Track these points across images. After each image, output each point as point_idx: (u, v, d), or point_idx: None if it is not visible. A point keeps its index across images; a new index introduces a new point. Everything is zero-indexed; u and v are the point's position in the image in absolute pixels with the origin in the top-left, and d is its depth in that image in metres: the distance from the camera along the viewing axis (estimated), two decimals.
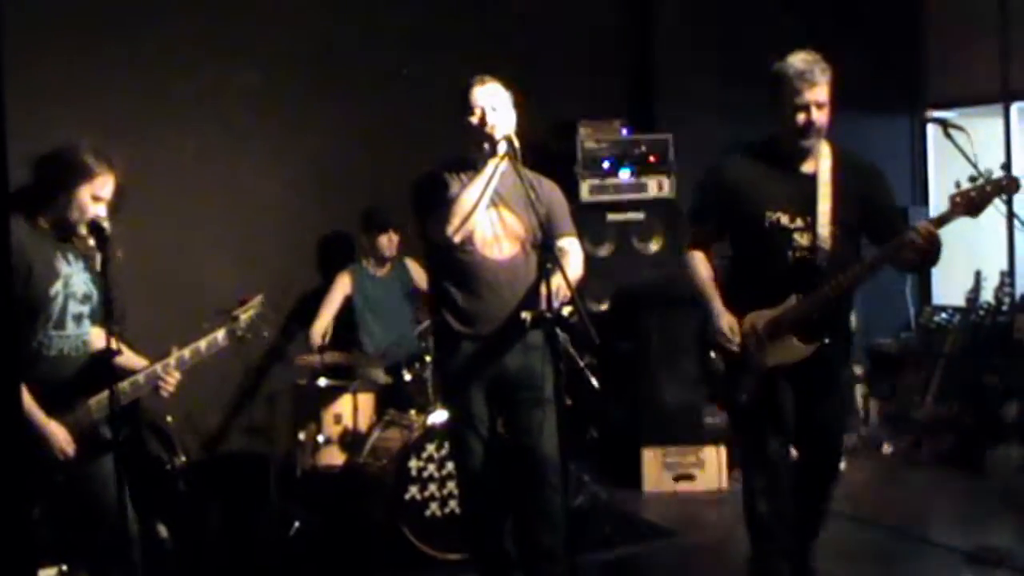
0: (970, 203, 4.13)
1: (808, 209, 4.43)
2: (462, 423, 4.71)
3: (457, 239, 4.50)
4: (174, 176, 6.60)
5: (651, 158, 7.38)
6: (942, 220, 4.21)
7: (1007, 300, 7.30)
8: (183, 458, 6.13)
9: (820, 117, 4.38)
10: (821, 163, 4.48)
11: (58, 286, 4.05)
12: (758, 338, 4.48)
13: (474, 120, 4.57)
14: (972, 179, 4.14)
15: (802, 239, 4.43)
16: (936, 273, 7.94)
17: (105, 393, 4.07)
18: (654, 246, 7.37)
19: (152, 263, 6.11)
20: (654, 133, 7.51)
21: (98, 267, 4.12)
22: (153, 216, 6.30)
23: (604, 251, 7.37)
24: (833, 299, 4.41)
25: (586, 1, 7.83)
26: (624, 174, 7.35)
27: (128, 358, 4.30)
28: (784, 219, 4.44)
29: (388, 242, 6.66)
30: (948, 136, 4.28)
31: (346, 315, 6.71)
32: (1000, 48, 7.96)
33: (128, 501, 4.11)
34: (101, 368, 4.11)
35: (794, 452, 4.71)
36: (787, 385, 4.51)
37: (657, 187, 7.38)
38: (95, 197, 4.10)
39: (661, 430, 6.90)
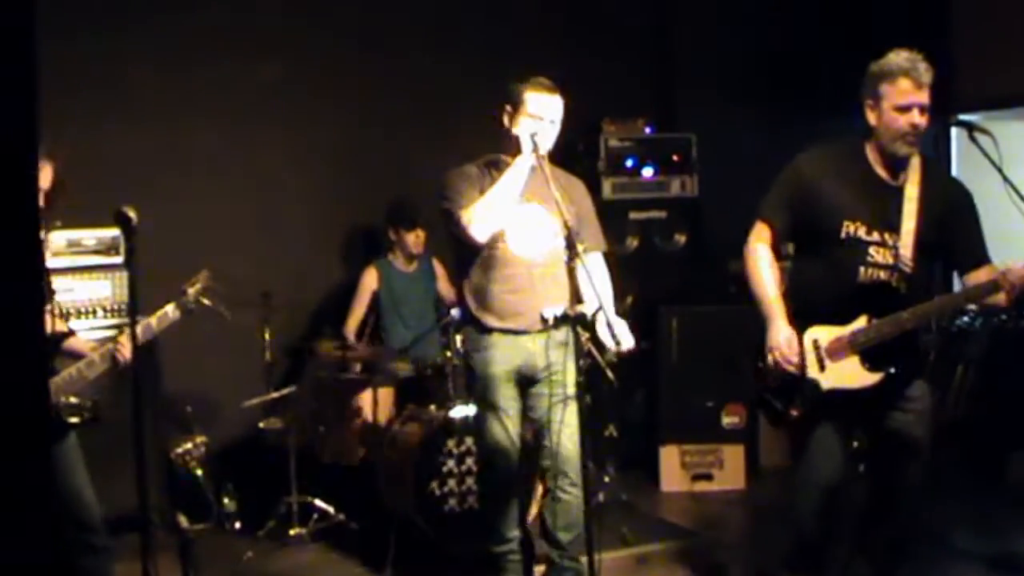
0: None
1: (891, 225, 4.12)
2: (491, 416, 4.73)
3: (483, 239, 4.51)
4: (196, 167, 6.64)
5: (674, 157, 7.37)
6: None
7: None
8: (203, 449, 6.16)
9: (923, 121, 4.06)
10: (910, 175, 4.15)
11: None
12: (819, 355, 4.17)
13: (531, 126, 4.54)
14: None
15: (879, 255, 4.13)
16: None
17: (62, 375, 4.18)
18: (676, 245, 7.35)
19: (173, 253, 6.13)
20: (678, 132, 7.50)
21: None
22: (175, 206, 6.34)
23: (626, 249, 7.37)
24: (910, 328, 4.10)
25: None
26: (647, 173, 7.34)
27: (77, 340, 4.40)
28: (862, 231, 4.13)
29: (416, 239, 6.66)
30: (973, 139, 4.12)
31: (369, 309, 6.73)
32: None
33: (89, 485, 4.22)
34: (52, 351, 4.19)
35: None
36: (855, 413, 4.21)
37: (680, 186, 7.37)
38: None
39: (680, 429, 6.90)
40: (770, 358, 4.23)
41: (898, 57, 4.07)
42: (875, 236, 4.13)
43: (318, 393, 6.38)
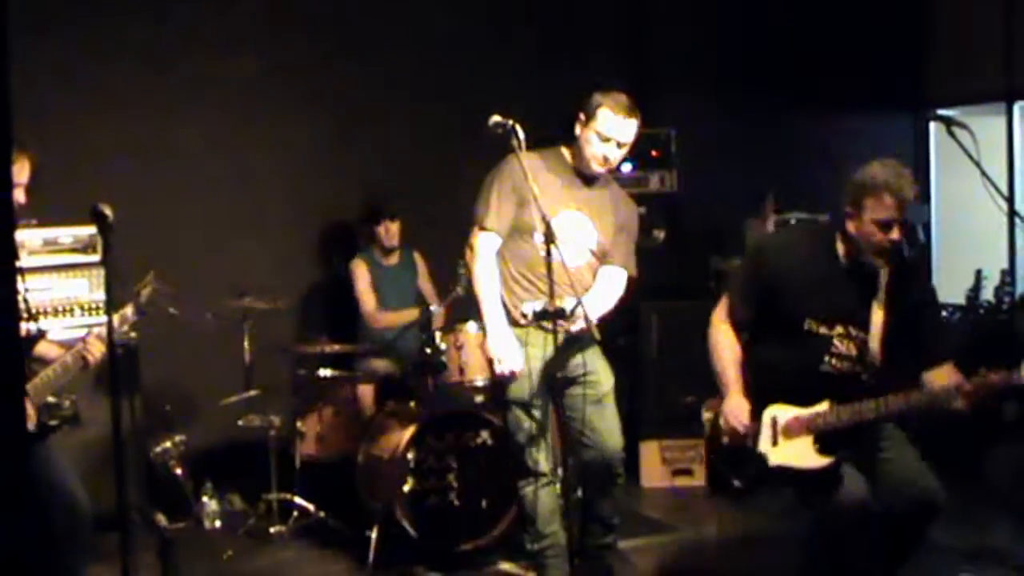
0: None
1: (858, 319, 4.10)
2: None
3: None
4: (176, 161, 6.61)
5: (653, 152, 7.35)
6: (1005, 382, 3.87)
7: (1007, 299, 7.30)
8: (183, 447, 6.15)
9: (899, 237, 3.98)
10: (880, 271, 4.11)
11: None
12: (774, 431, 4.15)
13: (597, 146, 4.68)
14: None
15: (844, 347, 4.12)
16: (937, 272, 7.92)
17: (38, 378, 4.15)
18: (656, 240, 7.35)
19: (154, 248, 6.10)
20: (656, 127, 7.48)
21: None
22: (155, 201, 6.33)
23: None
24: (874, 419, 4.05)
25: None
26: (626, 168, 7.31)
27: (48, 345, 4.37)
28: (823, 328, 4.11)
29: (386, 231, 6.65)
30: (951, 134, 4.13)
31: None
32: (1003, 46, 7.94)
33: (78, 480, 4.24)
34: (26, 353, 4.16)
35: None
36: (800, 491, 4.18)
37: (659, 182, 7.35)
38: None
39: (660, 424, 6.90)
40: (722, 421, 4.26)
41: (884, 170, 3.97)
42: (838, 329, 4.10)
43: (298, 390, 6.37)
